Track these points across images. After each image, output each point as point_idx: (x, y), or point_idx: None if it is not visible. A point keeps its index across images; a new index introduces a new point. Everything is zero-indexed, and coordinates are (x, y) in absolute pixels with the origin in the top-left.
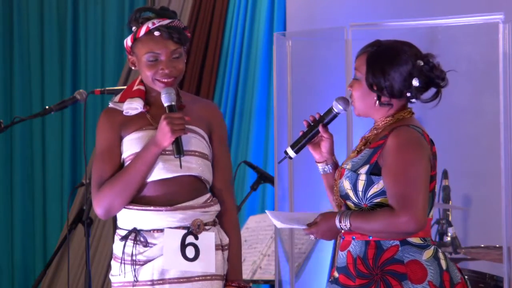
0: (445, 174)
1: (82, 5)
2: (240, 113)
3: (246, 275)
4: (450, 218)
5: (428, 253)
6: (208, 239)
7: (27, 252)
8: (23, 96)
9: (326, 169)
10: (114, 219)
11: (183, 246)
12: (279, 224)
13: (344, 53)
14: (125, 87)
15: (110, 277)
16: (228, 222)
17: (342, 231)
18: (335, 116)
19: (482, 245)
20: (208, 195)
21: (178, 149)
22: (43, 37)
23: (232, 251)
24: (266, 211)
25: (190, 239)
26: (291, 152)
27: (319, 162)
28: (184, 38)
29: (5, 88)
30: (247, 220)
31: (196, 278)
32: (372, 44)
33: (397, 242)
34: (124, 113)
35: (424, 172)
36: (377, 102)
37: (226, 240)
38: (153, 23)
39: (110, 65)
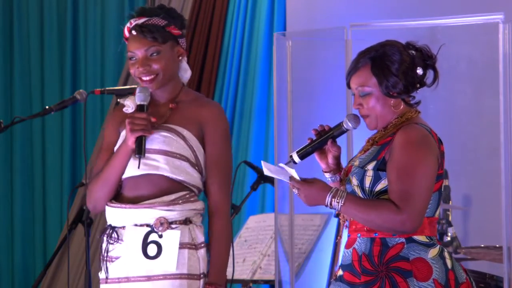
0: (445, 174)
1: (82, 5)
2: (240, 113)
3: (246, 275)
4: (450, 218)
5: (433, 252)
6: (172, 238)
7: (27, 252)
8: (23, 96)
9: (333, 179)
10: None
11: (145, 244)
12: (266, 171)
13: (344, 53)
14: (125, 87)
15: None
16: (214, 225)
17: (329, 207)
18: (344, 132)
19: (482, 245)
20: (181, 193)
21: (139, 149)
22: (43, 37)
23: (214, 253)
24: (261, 161)
25: (153, 237)
26: (296, 158)
27: (325, 172)
28: (162, 36)
29: (5, 88)
30: (247, 220)
31: (157, 277)
32: (362, 57)
33: (403, 240)
34: (124, 110)
35: (429, 171)
36: (402, 104)
37: (200, 238)
38: (131, 23)
39: (110, 65)
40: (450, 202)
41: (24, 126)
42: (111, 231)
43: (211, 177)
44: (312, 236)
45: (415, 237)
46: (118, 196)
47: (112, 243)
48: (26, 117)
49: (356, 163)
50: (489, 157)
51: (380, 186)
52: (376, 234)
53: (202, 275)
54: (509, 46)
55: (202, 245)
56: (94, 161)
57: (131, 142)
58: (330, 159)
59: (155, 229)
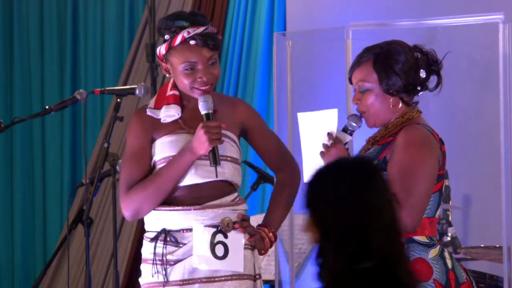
0: (445, 174)
1: (82, 5)
2: None
3: None
4: (450, 218)
5: (434, 252)
6: (237, 239)
7: (27, 252)
8: (23, 96)
9: None
10: (115, 220)
11: (213, 244)
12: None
13: (344, 53)
14: (125, 87)
15: (140, 280)
16: (282, 175)
17: None
18: (351, 133)
19: (482, 245)
20: (235, 194)
21: (215, 159)
22: (43, 37)
23: (274, 202)
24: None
25: (219, 237)
26: None
27: None
28: (218, 44)
29: (5, 88)
30: None
31: (225, 278)
32: (366, 52)
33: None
34: (162, 121)
35: (430, 171)
36: (400, 103)
37: None
38: (188, 32)
39: (110, 65)
40: (450, 202)
41: (24, 126)
42: (165, 235)
43: (273, 152)
44: None
45: (416, 237)
46: (169, 201)
47: (175, 246)
48: (26, 117)
49: None
50: (489, 157)
51: None
52: None
53: (257, 276)
54: (509, 46)
55: None
56: (124, 167)
57: (205, 151)
58: None
59: (222, 229)
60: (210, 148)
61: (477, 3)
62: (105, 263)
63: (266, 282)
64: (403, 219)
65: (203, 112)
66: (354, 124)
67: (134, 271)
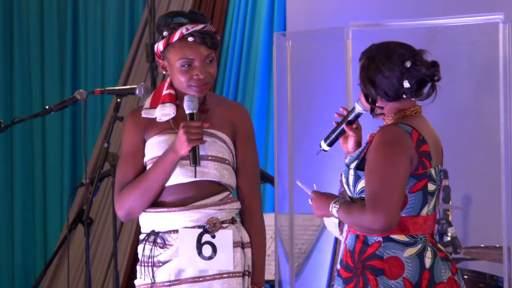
0: (445, 174)
1: (82, 5)
2: None
3: None
4: (450, 218)
5: (410, 251)
6: (225, 237)
7: (27, 252)
8: (23, 96)
9: None
10: (115, 220)
11: (199, 245)
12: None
13: (344, 53)
14: (125, 87)
15: (135, 281)
16: (252, 224)
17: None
18: (358, 115)
19: (482, 245)
20: (226, 193)
21: (194, 159)
22: (43, 37)
23: (254, 254)
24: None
25: (207, 237)
26: (324, 146)
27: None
28: (216, 42)
29: (5, 88)
30: None
31: (213, 277)
32: (366, 50)
33: (380, 239)
34: (157, 119)
35: (398, 171)
36: (371, 113)
37: (247, 238)
38: (187, 29)
39: (110, 65)
40: (450, 202)
41: (24, 126)
42: (154, 236)
43: (243, 176)
44: (312, 236)
45: (394, 236)
46: (157, 203)
47: (162, 247)
48: (26, 117)
49: (347, 161)
50: (489, 157)
51: (360, 185)
52: (360, 232)
53: (247, 273)
54: (509, 46)
55: (248, 245)
56: (119, 168)
57: (185, 151)
58: (351, 144)
59: (208, 230)
60: (190, 148)
61: (477, 3)
62: (105, 263)
63: (266, 282)
64: (376, 220)
65: (187, 111)
66: (360, 107)
67: (134, 271)
